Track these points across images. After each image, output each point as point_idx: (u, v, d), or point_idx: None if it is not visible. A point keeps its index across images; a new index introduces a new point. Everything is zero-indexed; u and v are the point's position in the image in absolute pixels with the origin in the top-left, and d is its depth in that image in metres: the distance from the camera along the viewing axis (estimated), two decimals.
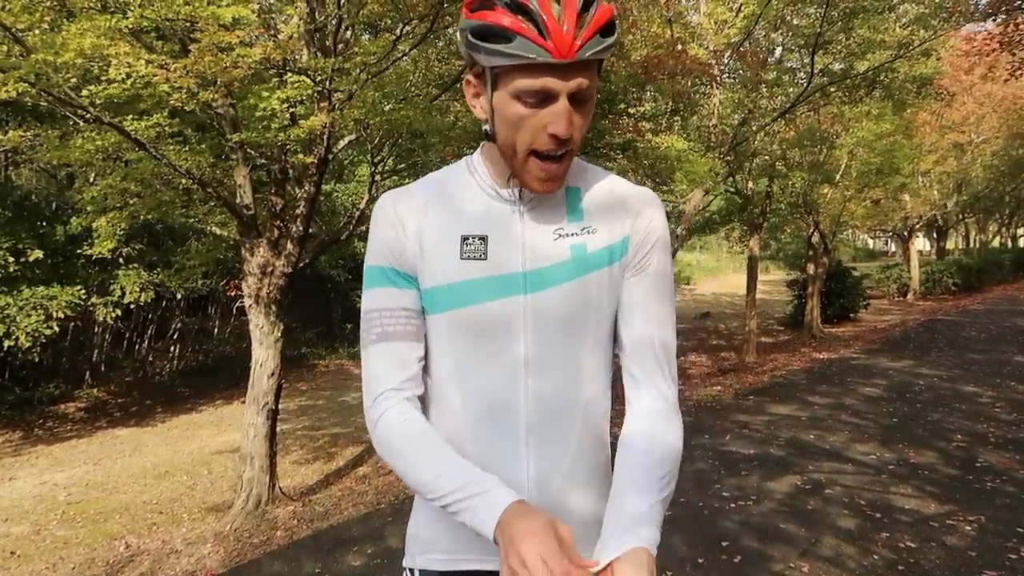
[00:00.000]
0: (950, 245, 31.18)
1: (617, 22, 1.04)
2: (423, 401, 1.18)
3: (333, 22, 5.25)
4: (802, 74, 10.81)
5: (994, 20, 9.81)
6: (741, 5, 9.71)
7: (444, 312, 1.12)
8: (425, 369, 1.19)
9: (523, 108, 1.01)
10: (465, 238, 1.11)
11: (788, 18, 10.33)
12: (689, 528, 4.39)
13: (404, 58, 6.01)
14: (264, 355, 5.48)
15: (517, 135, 1.03)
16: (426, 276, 1.13)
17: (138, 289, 9.39)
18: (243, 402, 5.70)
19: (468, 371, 1.12)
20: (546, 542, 0.89)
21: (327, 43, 5.36)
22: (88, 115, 4.53)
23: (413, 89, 6.25)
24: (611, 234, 1.15)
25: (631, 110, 8.31)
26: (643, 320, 1.16)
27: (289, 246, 5.47)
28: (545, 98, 1.00)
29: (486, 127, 1.10)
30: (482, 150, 1.17)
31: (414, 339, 1.14)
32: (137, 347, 12.45)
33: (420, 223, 1.13)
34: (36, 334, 8.03)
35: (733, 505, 4.78)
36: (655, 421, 1.15)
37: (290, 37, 5.04)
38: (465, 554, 1.16)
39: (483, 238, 1.11)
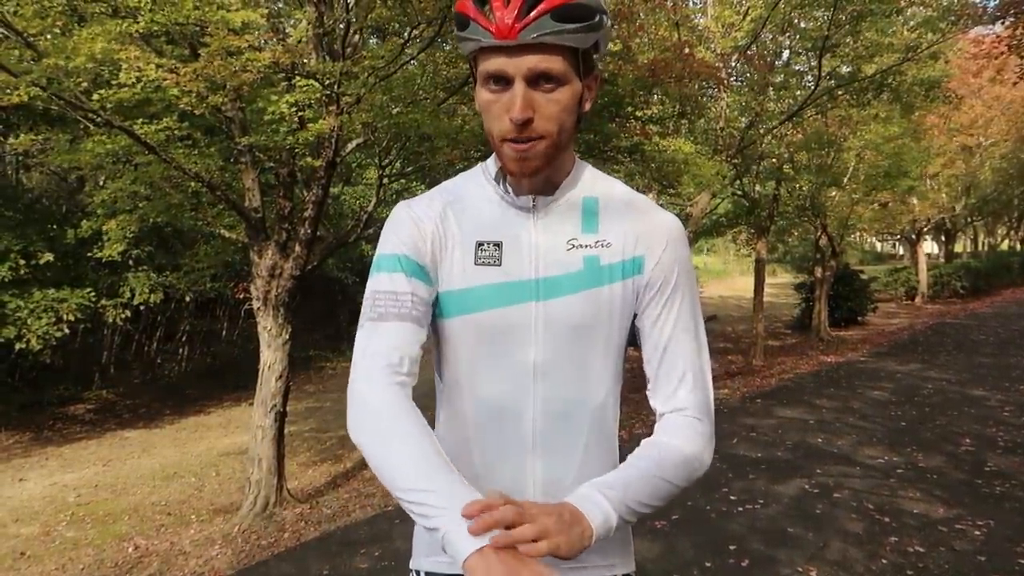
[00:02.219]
0: (958, 248, 31.04)
1: (605, 17, 1.05)
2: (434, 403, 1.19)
3: (341, 26, 5.28)
4: (809, 77, 10.82)
5: (1002, 23, 9.77)
6: (748, 8, 9.72)
7: (457, 317, 1.13)
8: (438, 374, 1.19)
9: (489, 94, 1.03)
10: (480, 244, 1.12)
11: (795, 21, 10.32)
12: (696, 531, 4.38)
13: (412, 62, 6.03)
14: (272, 357, 5.50)
15: (491, 123, 1.06)
16: (440, 281, 1.14)
17: (147, 291, 9.44)
18: (251, 404, 5.72)
19: (478, 377, 1.13)
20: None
21: (335, 47, 5.39)
22: (98, 119, 4.56)
23: (421, 93, 6.26)
24: (624, 250, 1.15)
25: (638, 113, 8.31)
26: (663, 345, 1.15)
27: (297, 248, 5.50)
28: (505, 82, 1.02)
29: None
30: (495, 155, 1.17)
31: (420, 324, 1.09)
32: (146, 349, 12.52)
33: (436, 227, 1.14)
34: (47, 336, 8.08)
35: (740, 508, 4.78)
36: (685, 432, 1.11)
37: (299, 41, 5.08)
38: None
39: (498, 244, 1.12)
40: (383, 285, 1.10)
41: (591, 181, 1.18)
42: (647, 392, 1.18)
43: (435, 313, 1.16)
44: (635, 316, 1.19)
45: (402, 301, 1.09)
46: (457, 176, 1.23)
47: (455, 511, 0.88)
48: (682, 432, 1.10)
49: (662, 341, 1.15)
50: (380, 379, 1.03)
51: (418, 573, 1.20)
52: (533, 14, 0.97)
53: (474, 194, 1.18)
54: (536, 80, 1.01)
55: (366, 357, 1.06)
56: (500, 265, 1.11)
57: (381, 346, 1.06)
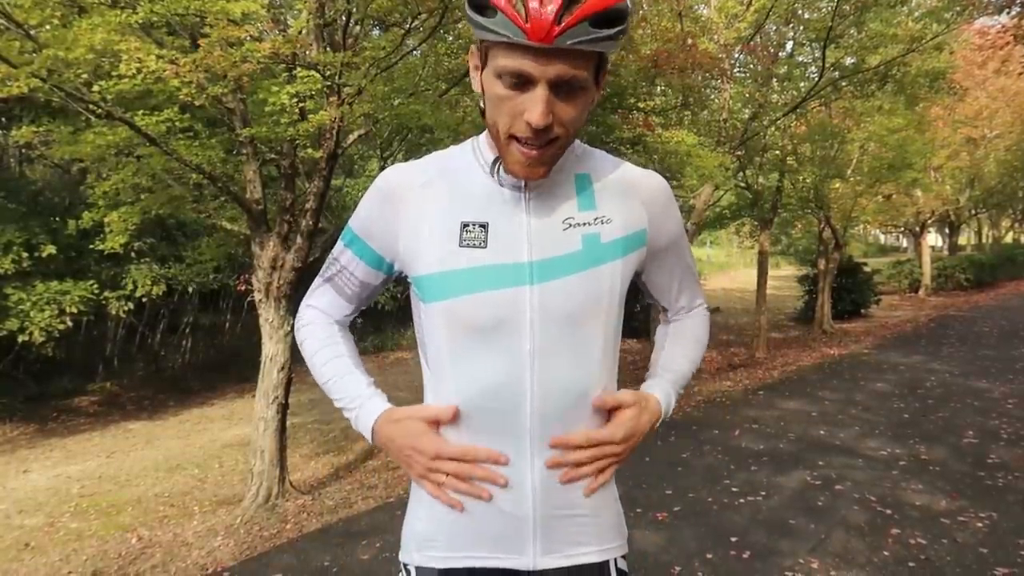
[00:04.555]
0: (962, 240, 30.93)
1: (629, 16, 1.00)
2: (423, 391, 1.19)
3: (342, 17, 5.26)
4: (813, 68, 10.75)
5: (1008, 13, 9.72)
6: None
7: (440, 301, 1.09)
8: (424, 360, 1.17)
9: (503, 89, 0.98)
10: (465, 224, 1.08)
11: (799, 12, 10.25)
12: (698, 523, 4.38)
13: (414, 53, 6.01)
14: (274, 349, 5.51)
15: (498, 116, 1.00)
16: (421, 262, 1.10)
17: (149, 283, 9.44)
18: (254, 396, 5.73)
19: (469, 366, 1.08)
20: (410, 433, 1.12)
21: (336, 38, 5.37)
22: (99, 110, 4.55)
23: (422, 84, 6.24)
24: (626, 225, 1.12)
25: (641, 104, 8.27)
26: (681, 289, 1.32)
27: (299, 241, 5.49)
28: (524, 82, 0.96)
29: (480, 102, 1.07)
30: (487, 132, 1.13)
31: (348, 300, 1.27)
32: (149, 341, 12.53)
33: (419, 207, 1.11)
34: (49, 329, 8.10)
35: (742, 500, 4.77)
36: (697, 322, 1.37)
37: (299, 32, 5.05)
38: (465, 551, 1.14)
39: (483, 225, 1.08)
40: (337, 252, 1.24)
41: (580, 157, 1.15)
42: (661, 314, 1.39)
43: (417, 296, 1.14)
44: (639, 274, 1.22)
45: (342, 275, 1.24)
46: (446, 150, 1.19)
47: (356, 406, 1.18)
48: (701, 318, 1.38)
49: (675, 285, 1.30)
50: (317, 316, 1.30)
51: (407, 567, 1.19)
52: (573, 17, 0.91)
53: (462, 170, 1.13)
54: (559, 85, 0.96)
55: (306, 306, 1.32)
56: (486, 247, 1.07)
57: (315, 300, 1.30)
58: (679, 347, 1.32)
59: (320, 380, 1.23)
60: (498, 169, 1.09)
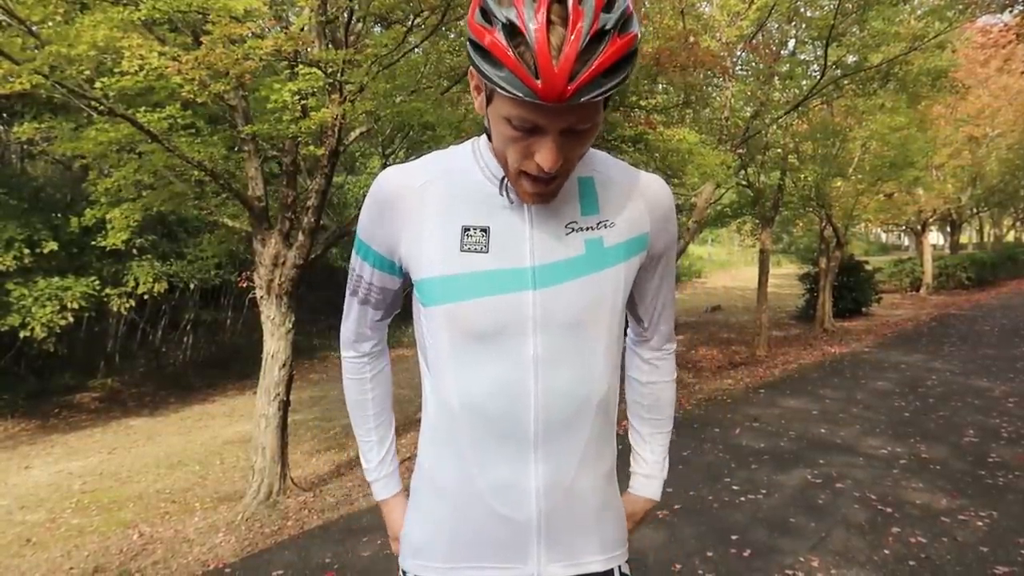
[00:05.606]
0: (964, 239, 30.92)
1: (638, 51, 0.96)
2: (421, 391, 1.18)
3: (344, 14, 5.25)
4: (815, 67, 10.73)
5: (1011, 12, 9.70)
6: None
7: (441, 305, 1.07)
8: (424, 362, 1.16)
9: (511, 130, 0.95)
10: (466, 229, 1.06)
11: (801, 10, 10.24)
12: (698, 521, 4.39)
13: (415, 50, 6.01)
14: (275, 346, 5.51)
15: (507, 151, 0.99)
16: (422, 266, 1.08)
17: (151, 280, 9.45)
18: (255, 393, 5.73)
19: (471, 371, 1.07)
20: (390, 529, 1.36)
21: (338, 35, 5.37)
22: (101, 107, 4.55)
23: (424, 81, 6.24)
24: (629, 229, 1.11)
25: (642, 103, 8.26)
26: (660, 306, 1.28)
27: (300, 238, 5.49)
28: (533, 129, 0.94)
29: (485, 123, 1.06)
30: (485, 138, 1.12)
31: (375, 307, 1.25)
32: (151, 338, 12.54)
33: (419, 209, 1.09)
34: (51, 325, 8.11)
35: (743, 498, 4.78)
36: (666, 380, 1.37)
37: (301, 29, 5.05)
38: (465, 560, 1.13)
39: (485, 230, 1.06)
40: (355, 264, 1.22)
41: (585, 160, 1.12)
42: (633, 334, 1.35)
43: (417, 298, 1.13)
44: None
45: (362, 285, 1.23)
46: (446, 150, 1.16)
47: (371, 471, 1.36)
48: (669, 368, 1.37)
49: (659, 302, 1.27)
50: (348, 349, 1.34)
51: (405, 574, 1.20)
52: (587, 74, 0.87)
53: (462, 172, 1.11)
54: (568, 131, 0.95)
55: (343, 327, 1.32)
56: (487, 252, 1.05)
57: (350, 320, 1.30)
58: (661, 430, 1.38)
59: (356, 434, 1.38)
60: (507, 187, 1.08)
